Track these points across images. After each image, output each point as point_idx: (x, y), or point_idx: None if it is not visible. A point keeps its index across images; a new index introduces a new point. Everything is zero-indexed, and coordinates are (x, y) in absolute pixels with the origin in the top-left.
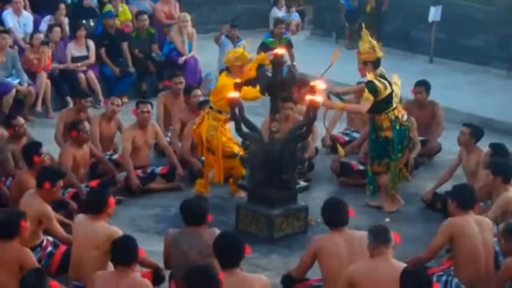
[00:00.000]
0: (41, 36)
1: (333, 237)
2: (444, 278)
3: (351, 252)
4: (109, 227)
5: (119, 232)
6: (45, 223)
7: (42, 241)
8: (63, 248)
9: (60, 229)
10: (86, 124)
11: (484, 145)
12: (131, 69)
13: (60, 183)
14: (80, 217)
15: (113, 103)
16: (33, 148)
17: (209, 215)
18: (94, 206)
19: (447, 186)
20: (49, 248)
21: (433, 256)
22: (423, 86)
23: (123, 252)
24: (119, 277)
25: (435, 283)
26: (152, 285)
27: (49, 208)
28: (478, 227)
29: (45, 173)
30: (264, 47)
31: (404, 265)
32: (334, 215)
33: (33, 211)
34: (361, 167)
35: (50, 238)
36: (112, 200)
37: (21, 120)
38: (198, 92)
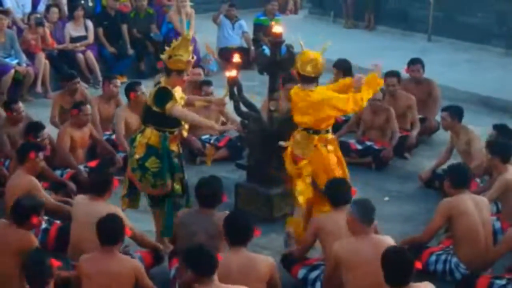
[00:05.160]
0: (38, 16)
1: (334, 216)
2: (443, 257)
3: None
4: (110, 206)
5: (119, 211)
6: (35, 195)
7: None
8: (57, 224)
9: (49, 199)
10: (88, 107)
11: (483, 124)
12: (130, 51)
13: (42, 154)
14: (79, 199)
15: (116, 85)
16: (33, 128)
17: (224, 196)
18: (99, 186)
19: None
20: (44, 225)
21: (431, 237)
22: (419, 64)
23: (109, 232)
24: (107, 257)
25: (417, 262)
26: (145, 264)
27: (35, 180)
28: (475, 205)
29: (26, 146)
30: (259, 28)
31: (389, 240)
32: (337, 194)
33: (21, 187)
34: (359, 147)
35: (45, 217)
36: (116, 181)
37: (21, 106)
38: (199, 70)
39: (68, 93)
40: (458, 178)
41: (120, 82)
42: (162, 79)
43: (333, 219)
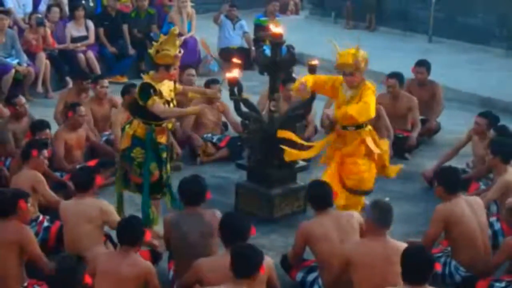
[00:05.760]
0: (39, 16)
1: (320, 220)
2: (442, 259)
3: (341, 232)
4: (99, 201)
5: (109, 205)
6: (38, 189)
7: (38, 216)
8: (59, 222)
9: (51, 193)
10: (82, 109)
11: None
12: (131, 51)
13: (45, 153)
14: (67, 202)
15: (103, 86)
16: (39, 126)
17: (208, 193)
18: (82, 184)
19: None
20: (45, 223)
21: (430, 245)
22: (424, 66)
23: (130, 233)
24: (121, 257)
25: (436, 263)
26: (152, 265)
27: (40, 175)
28: (469, 208)
29: (30, 144)
30: (259, 28)
31: (400, 243)
32: (320, 197)
33: (24, 181)
34: None
35: (46, 216)
36: (99, 177)
37: (22, 99)
38: (192, 71)
39: (75, 91)
40: (451, 183)
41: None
42: (150, 74)
43: (319, 223)
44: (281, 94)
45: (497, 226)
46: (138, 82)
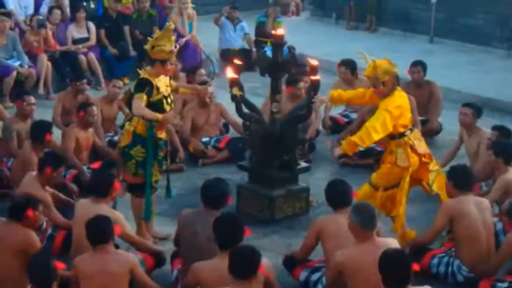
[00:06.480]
0: (40, 18)
1: (335, 218)
2: (445, 259)
3: None
4: (111, 212)
5: (120, 217)
6: (43, 209)
7: (42, 224)
8: (62, 232)
9: (58, 216)
10: (94, 108)
11: (484, 125)
12: (132, 52)
13: (62, 169)
14: (83, 201)
15: (115, 86)
16: (46, 126)
17: (229, 198)
18: (100, 188)
19: (447, 167)
20: (49, 231)
21: (434, 238)
22: (420, 66)
23: (100, 233)
24: (103, 256)
25: (414, 264)
26: (146, 266)
27: (47, 196)
28: (477, 207)
29: (48, 158)
30: (261, 27)
31: (390, 240)
32: (338, 196)
33: None
34: (361, 148)
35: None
36: (118, 183)
37: (32, 99)
38: (202, 71)
39: (72, 93)
40: (462, 180)
41: (124, 83)
42: (147, 69)
43: (334, 220)
44: (286, 95)
45: (499, 226)
46: None
